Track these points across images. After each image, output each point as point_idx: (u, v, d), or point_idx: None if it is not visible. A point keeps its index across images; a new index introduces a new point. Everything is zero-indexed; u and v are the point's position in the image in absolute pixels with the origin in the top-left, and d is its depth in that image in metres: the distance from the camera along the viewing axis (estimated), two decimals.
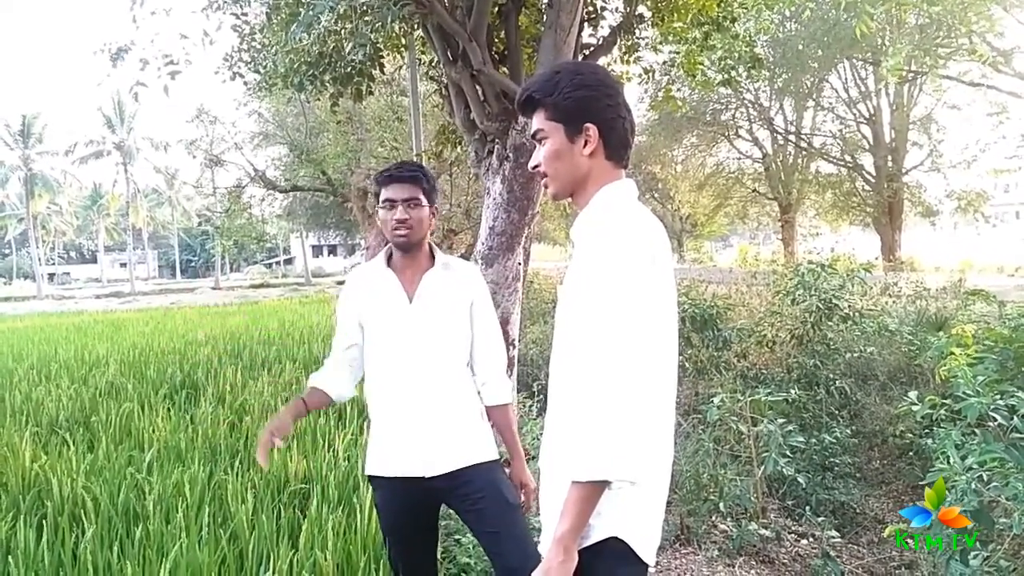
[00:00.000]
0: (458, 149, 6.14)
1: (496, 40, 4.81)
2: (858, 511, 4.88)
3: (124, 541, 3.25)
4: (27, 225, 46.26)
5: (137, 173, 54.62)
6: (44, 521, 3.44)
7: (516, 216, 4.35)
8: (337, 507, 3.49)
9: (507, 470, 2.28)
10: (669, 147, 24.30)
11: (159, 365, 8.13)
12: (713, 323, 6.89)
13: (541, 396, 6.01)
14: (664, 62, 6.29)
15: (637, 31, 5.25)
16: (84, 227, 62.55)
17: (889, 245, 20.40)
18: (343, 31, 4.06)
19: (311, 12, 3.69)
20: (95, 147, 45.51)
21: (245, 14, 5.69)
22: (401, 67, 8.27)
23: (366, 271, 2.25)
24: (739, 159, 25.63)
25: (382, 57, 5.18)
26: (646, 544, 1.43)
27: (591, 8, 5.08)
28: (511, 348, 4.40)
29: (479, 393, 2.24)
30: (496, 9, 4.59)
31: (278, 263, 63.86)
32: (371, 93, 5.29)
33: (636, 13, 5.02)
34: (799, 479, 4.41)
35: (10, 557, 3.09)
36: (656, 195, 26.33)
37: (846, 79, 21.13)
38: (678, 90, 8.33)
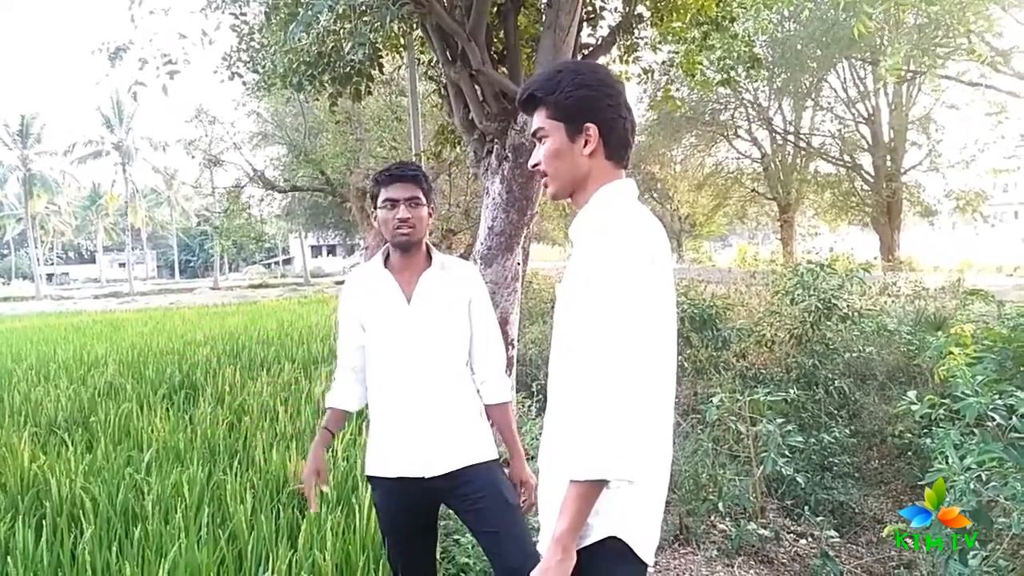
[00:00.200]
0: (457, 149, 6.14)
1: (495, 40, 4.81)
2: (857, 511, 4.88)
3: (123, 541, 3.24)
4: (26, 225, 46.23)
5: (136, 173, 54.85)
6: (43, 521, 3.44)
7: (515, 216, 4.35)
8: (336, 507, 3.48)
9: (507, 470, 2.28)
10: (668, 147, 24.29)
11: (158, 365, 8.12)
12: (712, 323, 6.89)
13: (540, 396, 6.01)
14: (663, 62, 6.29)
15: (636, 31, 5.25)
16: (83, 227, 62.49)
17: (888, 245, 20.41)
18: (342, 31, 4.05)
19: (310, 12, 3.69)
20: (94, 147, 45.51)
21: (244, 14, 5.69)
22: (400, 67, 8.27)
23: (364, 272, 2.25)
24: (738, 159, 25.65)
25: (381, 57, 5.18)
26: (645, 543, 1.43)
27: (590, 8, 5.08)
28: (510, 348, 4.41)
29: (478, 392, 2.24)
30: (495, 9, 4.59)
31: (277, 263, 63.84)
32: (370, 93, 5.29)
33: (635, 13, 5.02)
34: (798, 479, 4.41)
35: (9, 557, 3.09)
36: (655, 195, 26.33)
37: (845, 79, 21.14)
38: (677, 90, 8.33)
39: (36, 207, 46.49)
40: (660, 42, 5.58)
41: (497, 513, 2.09)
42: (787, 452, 4.33)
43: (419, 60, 6.85)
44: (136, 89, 4.64)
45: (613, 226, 1.40)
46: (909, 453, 5.35)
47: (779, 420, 4.42)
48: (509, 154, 4.27)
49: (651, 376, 1.36)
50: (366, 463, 2.22)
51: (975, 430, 3.11)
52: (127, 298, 35.88)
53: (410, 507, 2.16)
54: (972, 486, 2.68)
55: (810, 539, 4.24)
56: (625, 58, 5.49)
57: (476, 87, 4.48)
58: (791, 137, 23.11)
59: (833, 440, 5.15)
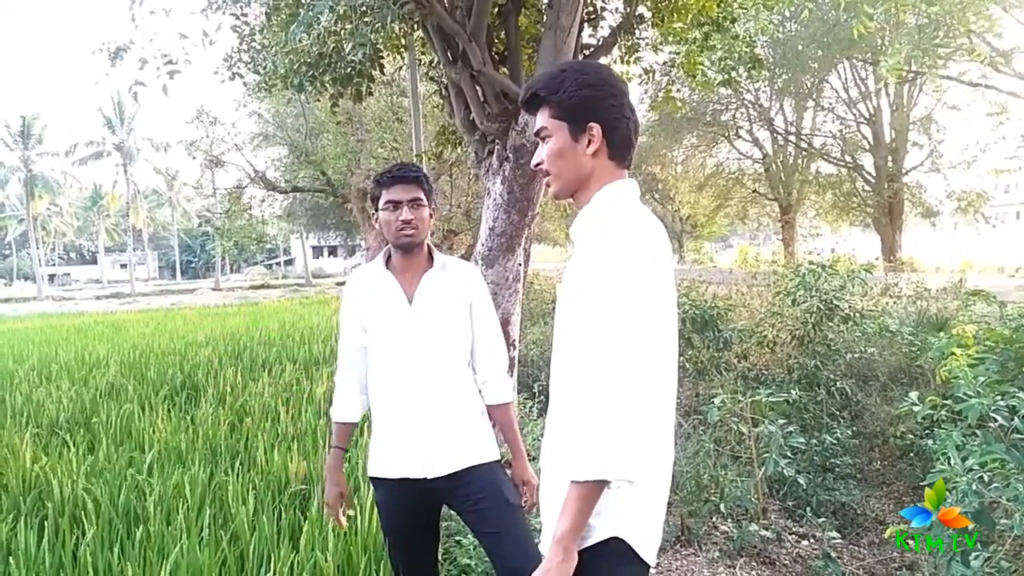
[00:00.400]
0: (458, 150, 6.15)
1: (496, 41, 4.81)
2: (859, 512, 4.87)
3: (125, 542, 3.25)
4: (27, 226, 46.29)
5: (137, 174, 54.87)
6: (45, 522, 3.44)
7: (516, 217, 4.35)
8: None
9: (508, 471, 2.28)
10: (669, 148, 24.30)
11: (159, 366, 8.12)
12: (713, 324, 6.88)
13: (542, 397, 6.00)
14: (664, 62, 6.29)
15: (637, 31, 5.26)
16: (84, 228, 62.57)
17: (889, 246, 20.40)
18: (343, 32, 4.06)
19: (311, 12, 3.69)
20: (95, 148, 45.59)
21: (245, 15, 5.69)
22: (401, 68, 8.27)
23: (365, 273, 2.25)
24: (739, 160, 25.65)
25: (382, 58, 5.18)
26: (647, 544, 1.43)
27: (591, 8, 5.08)
28: (511, 349, 4.40)
29: (480, 392, 2.24)
30: (496, 10, 4.59)
31: (278, 264, 63.90)
32: (371, 94, 5.29)
33: (636, 14, 5.02)
34: (800, 480, 4.41)
35: (11, 558, 3.09)
36: (656, 196, 26.34)
37: (846, 79, 21.14)
38: (678, 91, 8.32)
39: (38, 208, 46.56)
40: (661, 43, 5.58)
41: (498, 514, 2.09)
42: (789, 453, 4.33)
43: (420, 61, 6.85)
44: (136, 89, 4.64)
45: (614, 226, 1.40)
46: (911, 454, 5.34)
47: (781, 421, 4.41)
48: (510, 155, 4.27)
49: (652, 377, 1.36)
50: (368, 464, 2.23)
51: (977, 431, 3.11)
52: (128, 299, 35.92)
53: (412, 508, 2.16)
54: (974, 487, 2.67)
55: (812, 540, 4.23)
56: (626, 59, 5.49)
57: (477, 88, 4.48)
58: (792, 138, 23.10)
59: (835, 441, 5.14)
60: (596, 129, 1.46)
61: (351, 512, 2.29)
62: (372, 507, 3.13)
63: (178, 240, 63.01)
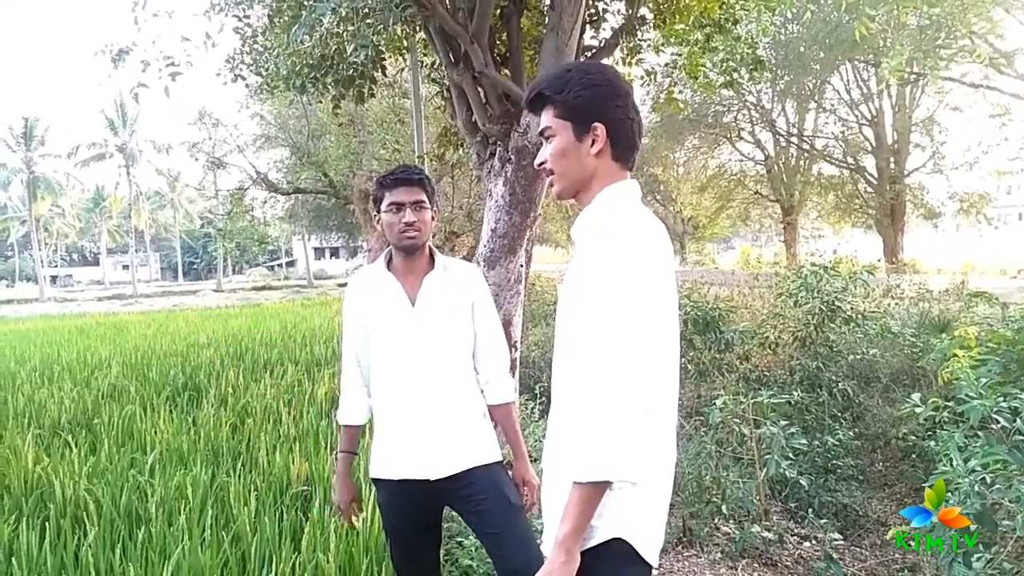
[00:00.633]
0: (460, 151, 6.15)
1: (498, 42, 4.81)
2: (861, 513, 4.87)
3: (126, 543, 3.25)
4: (30, 227, 46.37)
5: (139, 175, 55.10)
6: (47, 523, 3.45)
7: (518, 218, 4.35)
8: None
9: (510, 471, 2.28)
10: (671, 149, 24.31)
11: (161, 367, 8.13)
12: (715, 325, 6.87)
13: (543, 398, 6.00)
14: (666, 64, 6.29)
15: (639, 33, 5.26)
16: (86, 229, 62.65)
17: (891, 247, 20.38)
18: (345, 33, 4.06)
19: (313, 14, 3.69)
20: (97, 149, 45.68)
21: (247, 16, 5.70)
22: (403, 69, 8.27)
23: (367, 275, 2.25)
24: (741, 161, 25.62)
25: (384, 59, 5.19)
26: (649, 545, 1.43)
27: (593, 10, 5.08)
28: (513, 350, 4.40)
29: (482, 392, 2.24)
30: (498, 11, 4.60)
31: (280, 265, 63.94)
32: (373, 95, 5.30)
33: (638, 15, 5.02)
34: (802, 481, 4.40)
35: (13, 559, 3.09)
36: (658, 197, 26.33)
37: (848, 81, 21.12)
38: (680, 92, 8.33)
39: (40, 209, 46.65)
40: (663, 44, 5.58)
41: (500, 515, 2.09)
42: (791, 455, 4.32)
43: (422, 62, 6.85)
44: (138, 91, 4.65)
45: (615, 227, 1.40)
46: (913, 456, 5.33)
47: (783, 422, 4.40)
48: (512, 156, 4.27)
49: (653, 378, 1.36)
50: (371, 465, 2.23)
51: (979, 432, 3.10)
52: (131, 300, 35.94)
53: (413, 509, 2.16)
54: (976, 489, 2.67)
55: (814, 542, 4.23)
56: (628, 60, 5.49)
57: (479, 89, 4.48)
58: (794, 139, 23.09)
59: (837, 442, 5.13)
60: (600, 129, 1.46)
61: (363, 515, 2.29)
62: (374, 508, 3.14)
63: (180, 241, 63.07)
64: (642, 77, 5.93)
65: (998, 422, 2.98)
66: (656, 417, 1.38)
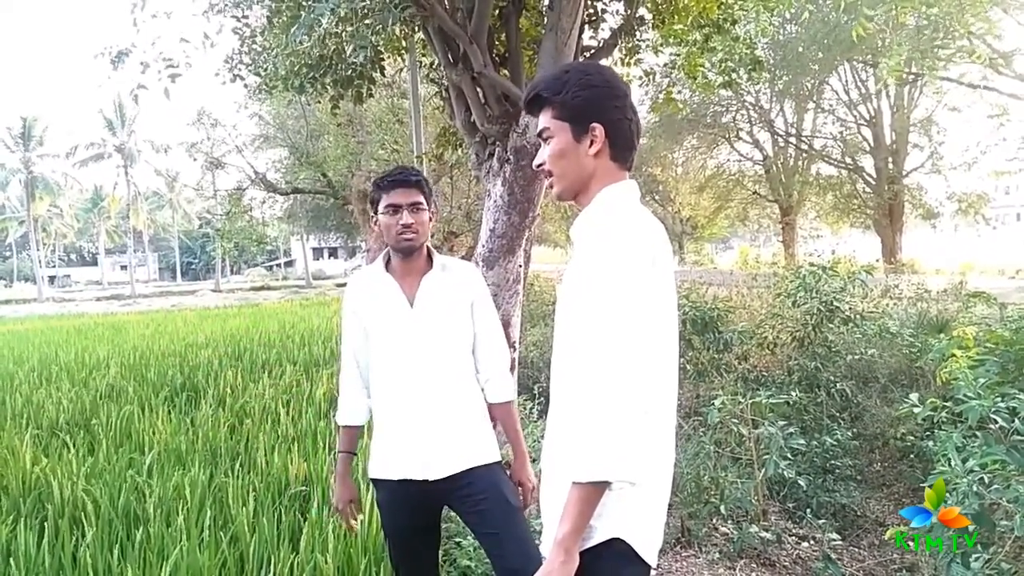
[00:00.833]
0: (459, 152, 6.15)
1: (497, 43, 4.81)
2: (859, 513, 4.87)
3: (125, 544, 3.25)
4: (28, 228, 46.33)
5: (138, 175, 55.05)
6: (45, 524, 3.45)
7: (516, 218, 4.35)
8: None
9: (509, 472, 2.28)
10: (670, 149, 24.31)
11: (159, 368, 8.13)
12: (714, 325, 6.87)
13: (542, 399, 6.00)
14: (665, 64, 6.29)
15: (638, 33, 5.25)
16: (85, 230, 62.58)
17: (890, 247, 20.41)
18: (344, 34, 4.06)
19: (312, 15, 3.69)
20: (96, 149, 45.63)
21: (246, 17, 5.69)
22: (402, 70, 8.27)
23: (366, 276, 2.25)
24: (740, 161, 25.65)
25: (383, 60, 5.19)
26: (648, 545, 1.43)
27: (592, 10, 5.08)
28: (512, 350, 4.40)
29: (482, 391, 2.24)
30: (497, 12, 4.59)
31: (278, 265, 63.91)
32: (372, 96, 5.30)
33: (637, 15, 5.02)
34: (800, 481, 4.40)
35: (11, 560, 3.09)
36: (656, 197, 26.35)
37: (846, 81, 21.15)
38: (679, 92, 8.33)
39: (38, 209, 46.59)
40: (662, 44, 5.58)
41: (499, 515, 2.09)
42: (789, 455, 4.33)
43: (421, 63, 6.85)
44: (138, 92, 4.65)
45: (614, 228, 1.40)
46: (911, 456, 5.33)
47: (781, 423, 4.41)
48: (511, 156, 4.27)
49: (652, 378, 1.36)
50: (370, 465, 2.23)
51: (977, 433, 3.11)
52: (129, 300, 35.91)
53: (413, 509, 2.16)
54: (974, 489, 2.67)
55: (812, 542, 4.23)
56: (627, 60, 5.49)
57: (478, 90, 4.48)
58: (793, 139, 23.12)
59: (835, 443, 5.14)
60: (599, 130, 1.46)
61: (361, 517, 2.29)
62: (372, 508, 3.14)
63: (178, 242, 63.04)
64: (641, 77, 5.93)
65: (996, 422, 2.98)
66: (655, 417, 1.38)
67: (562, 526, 1.34)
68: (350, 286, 2.28)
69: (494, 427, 2.26)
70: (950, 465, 2.89)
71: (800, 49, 17.94)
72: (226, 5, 5.54)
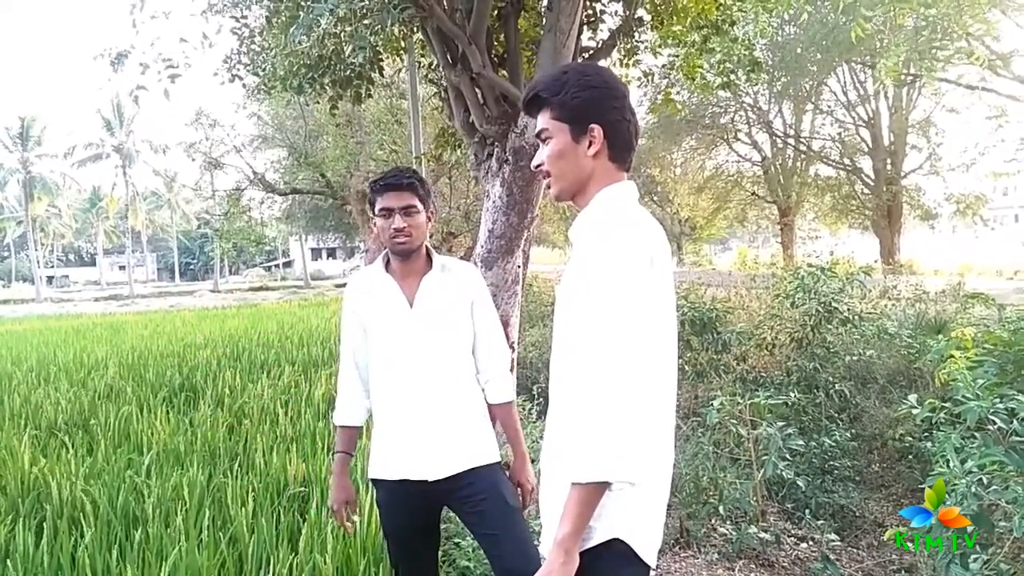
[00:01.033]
0: (457, 152, 6.14)
1: (495, 43, 4.81)
2: (858, 514, 4.87)
3: (123, 544, 3.25)
4: (26, 228, 46.25)
5: (136, 176, 54.90)
6: (43, 524, 3.44)
7: (515, 219, 4.35)
8: None
9: (508, 473, 2.28)
10: (668, 150, 24.32)
11: (158, 368, 8.12)
12: (712, 326, 6.88)
13: (541, 399, 6.00)
14: (663, 65, 6.29)
15: (636, 34, 5.26)
16: (83, 230, 62.51)
17: (888, 248, 20.43)
18: (342, 34, 4.06)
19: (310, 15, 3.69)
20: (94, 150, 45.59)
21: (244, 17, 5.69)
22: (400, 70, 8.28)
23: (366, 276, 2.25)
24: (738, 162, 25.68)
25: (381, 60, 5.18)
26: (648, 546, 1.43)
27: (590, 11, 5.08)
28: (511, 351, 4.40)
29: (483, 391, 2.24)
30: (495, 12, 4.60)
31: (277, 266, 63.86)
32: (370, 96, 5.29)
33: (635, 16, 5.02)
34: (799, 482, 4.41)
35: (9, 560, 3.09)
36: (655, 198, 26.36)
37: (845, 82, 21.18)
38: (677, 93, 8.35)
39: (36, 210, 46.51)
40: (660, 45, 5.58)
41: (498, 515, 2.09)
42: (788, 455, 4.33)
43: (419, 63, 6.85)
44: (138, 93, 4.65)
45: (612, 228, 1.41)
46: (910, 457, 5.34)
47: (780, 423, 4.41)
48: (509, 157, 4.27)
49: (651, 378, 1.37)
50: (370, 466, 2.22)
51: (976, 434, 3.11)
52: (127, 301, 35.87)
53: (412, 509, 2.16)
54: (973, 490, 2.67)
55: (811, 543, 4.23)
56: (625, 61, 5.49)
57: (476, 90, 4.48)
58: (791, 140, 23.14)
59: (834, 443, 5.14)
60: (597, 131, 1.46)
61: (356, 518, 2.29)
62: (371, 509, 3.14)
63: (177, 242, 62.98)
64: (639, 78, 5.93)
65: (995, 423, 2.98)
66: (654, 418, 1.38)
67: (562, 527, 1.34)
68: (350, 286, 2.28)
69: (493, 427, 2.26)
70: (949, 466, 2.89)
71: (799, 50, 17.97)
72: (225, 5, 5.54)
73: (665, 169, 25.81)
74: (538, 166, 1.55)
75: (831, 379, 6.02)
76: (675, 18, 5.06)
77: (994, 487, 2.70)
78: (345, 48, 4.13)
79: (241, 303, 25.55)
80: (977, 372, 3.37)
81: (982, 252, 21.53)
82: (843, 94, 21.44)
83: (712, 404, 4.52)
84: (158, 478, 4.08)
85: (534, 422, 5.37)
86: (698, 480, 4.41)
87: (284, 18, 4.57)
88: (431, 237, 2.26)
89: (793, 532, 4.41)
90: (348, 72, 4.59)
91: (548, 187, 1.56)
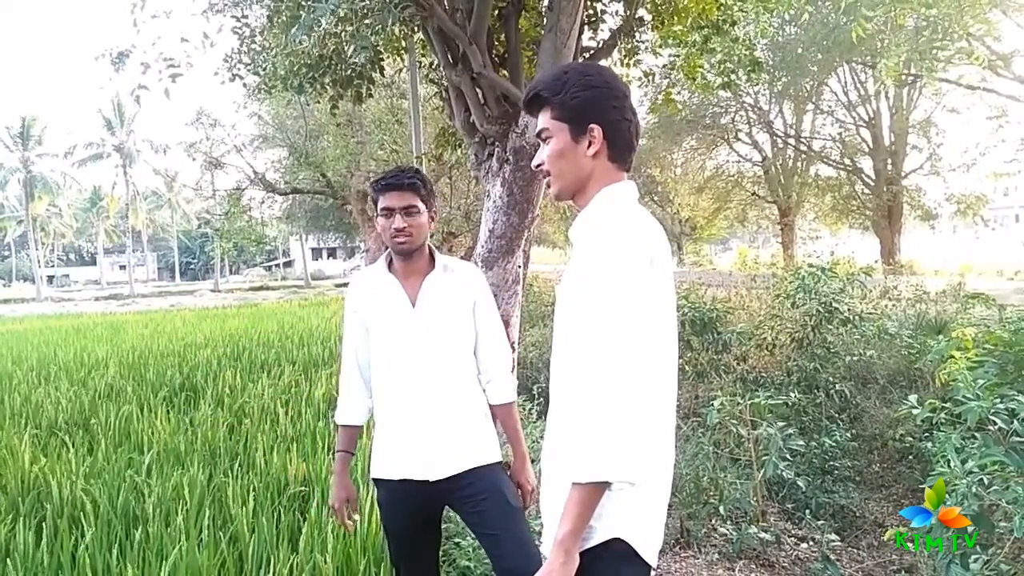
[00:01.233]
0: (458, 152, 6.14)
1: (496, 43, 4.81)
2: (858, 514, 4.88)
3: (123, 544, 3.25)
4: (27, 227, 46.23)
5: (137, 175, 54.90)
6: (43, 523, 3.45)
7: (516, 219, 4.35)
8: None
9: (509, 473, 2.28)
10: (669, 150, 24.30)
11: (158, 367, 8.12)
12: (713, 326, 6.88)
13: (541, 399, 6.00)
14: (664, 65, 6.29)
15: (637, 34, 5.26)
16: (83, 229, 62.50)
17: (889, 248, 20.41)
18: (343, 34, 4.06)
19: (311, 15, 3.69)
20: (95, 149, 45.56)
21: (245, 17, 5.69)
22: (401, 70, 8.27)
23: (368, 276, 2.24)
24: (739, 162, 25.66)
25: (382, 60, 5.19)
26: (648, 545, 1.43)
27: (591, 11, 5.08)
28: (511, 351, 4.40)
29: (484, 391, 2.24)
30: (496, 12, 4.60)
31: (277, 266, 63.87)
32: (371, 96, 5.30)
33: (636, 16, 5.02)
34: (799, 482, 4.41)
35: (9, 559, 3.09)
36: (655, 198, 26.34)
37: (845, 83, 21.16)
38: (678, 93, 8.33)
39: (37, 209, 46.51)
40: (661, 45, 5.58)
41: (499, 515, 2.09)
42: (788, 456, 4.33)
43: (420, 63, 6.85)
44: (139, 93, 4.64)
45: (612, 228, 1.41)
46: (910, 457, 5.34)
47: (780, 424, 4.41)
48: (510, 157, 4.27)
49: (651, 378, 1.37)
50: (371, 465, 2.22)
51: (976, 434, 3.11)
52: (127, 300, 35.87)
53: (413, 509, 2.16)
54: (973, 490, 2.67)
55: (811, 543, 4.23)
56: (626, 61, 5.49)
57: (477, 90, 4.48)
58: (792, 141, 23.12)
59: (834, 444, 5.14)
60: (597, 130, 1.46)
61: (357, 517, 2.29)
62: (372, 508, 3.14)
63: (177, 242, 62.98)
64: (640, 78, 5.93)
65: (995, 423, 2.98)
66: (654, 418, 1.38)
67: (562, 526, 1.34)
68: (352, 285, 2.28)
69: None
70: (949, 466, 2.89)
71: (799, 50, 17.96)
72: (226, 5, 5.54)
73: (665, 169, 25.80)
74: (538, 166, 1.55)
75: (831, 379, 6.03)
76: (676, 18, 5.06)
77: (994, 487, 2.70)
78: (346, 48, 4.13)
79: (241, 303, 25.56)
80: (977, 372, 3.37)
81: (983, 252, 21.54)
82: (844, 94, 21.43)
83: (712, 404, 4.52)
84: (158, 477, 4.08)
85: (534, 422, 5.37)
86: (698, 480, 4.41)
87: (285, 17, 4.57)
88: (432, 237, 2.26)
89: (793, 532, 4.41)
90: (349, 72, 4.59)
91: (548, 186, 1.56)
